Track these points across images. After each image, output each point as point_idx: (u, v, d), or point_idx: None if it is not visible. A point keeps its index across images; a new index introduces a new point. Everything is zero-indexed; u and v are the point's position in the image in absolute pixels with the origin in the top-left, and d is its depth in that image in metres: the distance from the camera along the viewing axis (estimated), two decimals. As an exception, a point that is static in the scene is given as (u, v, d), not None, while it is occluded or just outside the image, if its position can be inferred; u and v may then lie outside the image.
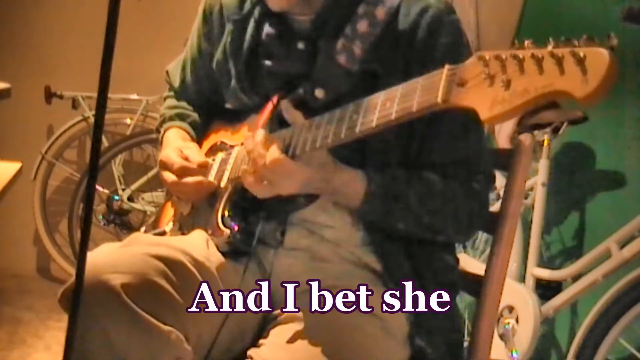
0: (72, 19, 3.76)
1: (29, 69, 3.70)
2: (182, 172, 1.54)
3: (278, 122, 1.46)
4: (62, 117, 3.71)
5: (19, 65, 3.68)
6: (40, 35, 3.77)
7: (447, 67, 1.15)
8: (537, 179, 2.76)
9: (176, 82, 1.77)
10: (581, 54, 0.98)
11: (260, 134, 1.37)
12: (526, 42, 1.05)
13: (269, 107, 1.49)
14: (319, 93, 1.44)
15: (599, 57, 0.97)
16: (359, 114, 1.26)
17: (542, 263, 2.75)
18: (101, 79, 1.05)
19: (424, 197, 1.42)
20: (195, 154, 1.57)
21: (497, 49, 1.08)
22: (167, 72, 1.81)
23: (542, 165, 2.76)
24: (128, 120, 3.75)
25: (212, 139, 1.67)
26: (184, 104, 1.75)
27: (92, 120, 3.66)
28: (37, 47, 3.77)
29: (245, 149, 1.42)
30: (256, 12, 1.53)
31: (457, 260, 1.56)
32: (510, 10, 3.34)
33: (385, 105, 1.23)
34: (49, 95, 3.69)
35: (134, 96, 3.70)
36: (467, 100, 1.10)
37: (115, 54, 1.05)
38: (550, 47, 1.02)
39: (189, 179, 1.54)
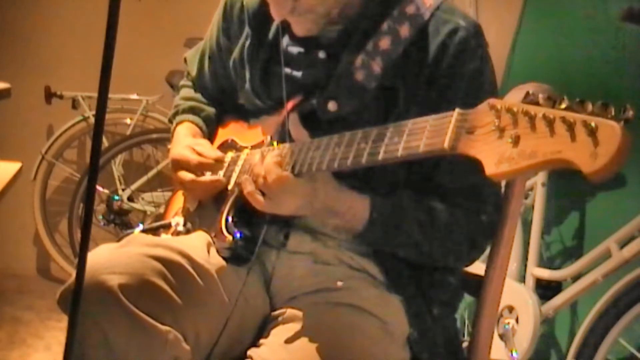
0: (72, 19, 3.75)
1: (29, 69, 3.69)
2: (200, 168, 1.53)
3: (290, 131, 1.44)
4: (62, 117, 3.70)
5: (19, 65, 3.67)
6: (40, 35, 3.77)
7: (457, 111, 1.12)
8: (537, 179, 2.76)
9: (193, 71, 1.75)
10: (593, 124, 0.94)
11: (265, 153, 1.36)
12: (540, 97, 1.02)
13: (283, 113, 1.47)
14: (331, 106, 1.42)
15: (610, 132, 0.93)
16: (367, 143, 1.23)
17: (542, 263, 2.75)
18: (101, 79, 1.05)
19: (426, 229, 1.40)
20: (208, 149, 1.56)
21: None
22: (185, 59, 1.79)
23: (542, 165, 2.75)
24: (128, 120, 3.74)
25: (225, 134, 1.65)
26: (199, 96, 1.74)
27: (92, 120, 3.66)
28: (37, 47, 3.77)
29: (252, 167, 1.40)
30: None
31: (460, 280, 1.55)
32: (510, 10, 3.34)
33: (393, 140, 1.20)
34: (49, 95, 3.68)
35: (134, 96, 3.69)
36: (474, 150, 1.08)
37: (116, 54, 1.05)
38: (563, 106, 0.99)
39: (206, 178, 1.52)
